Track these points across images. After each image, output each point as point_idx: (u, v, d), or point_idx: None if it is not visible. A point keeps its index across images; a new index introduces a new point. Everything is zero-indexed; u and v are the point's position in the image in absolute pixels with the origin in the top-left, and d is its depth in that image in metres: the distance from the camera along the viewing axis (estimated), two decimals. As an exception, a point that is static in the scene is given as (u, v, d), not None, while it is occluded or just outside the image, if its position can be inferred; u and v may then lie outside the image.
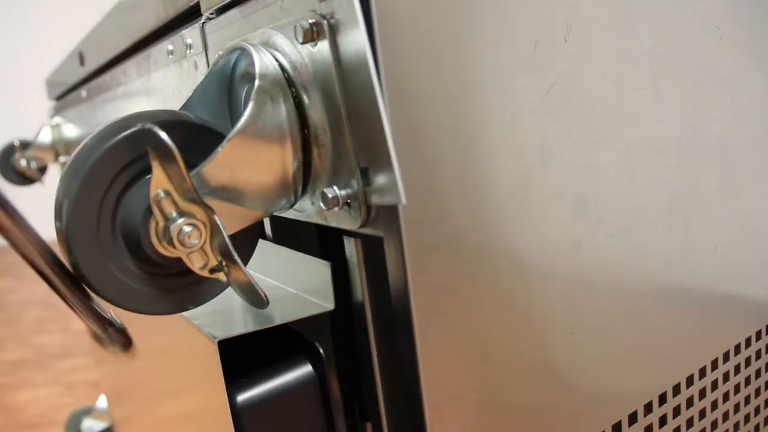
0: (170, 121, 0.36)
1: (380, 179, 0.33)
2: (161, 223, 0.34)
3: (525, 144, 0.38)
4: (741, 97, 0.53)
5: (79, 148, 0.35)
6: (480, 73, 0.36)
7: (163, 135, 0.32)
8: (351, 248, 0.39)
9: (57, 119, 1.22)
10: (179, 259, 0.35)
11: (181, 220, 0.34)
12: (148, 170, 0.33)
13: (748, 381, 0.58)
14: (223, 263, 0.36)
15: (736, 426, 0.58)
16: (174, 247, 0.34)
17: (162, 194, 0.33)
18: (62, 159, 1.20)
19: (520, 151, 0.38)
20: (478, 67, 0.36)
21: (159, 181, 0.33)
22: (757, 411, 0.60)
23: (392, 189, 0.32)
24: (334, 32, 0.33)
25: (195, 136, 0.37)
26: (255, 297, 0.37)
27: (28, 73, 3.16)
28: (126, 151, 0.35)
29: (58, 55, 1.30)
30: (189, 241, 0.34)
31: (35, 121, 1.40)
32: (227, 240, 0.35)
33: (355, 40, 0.32)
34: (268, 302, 0.37)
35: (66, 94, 1.21)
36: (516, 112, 0.37)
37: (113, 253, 0.35)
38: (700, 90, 0.48)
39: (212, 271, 0.36)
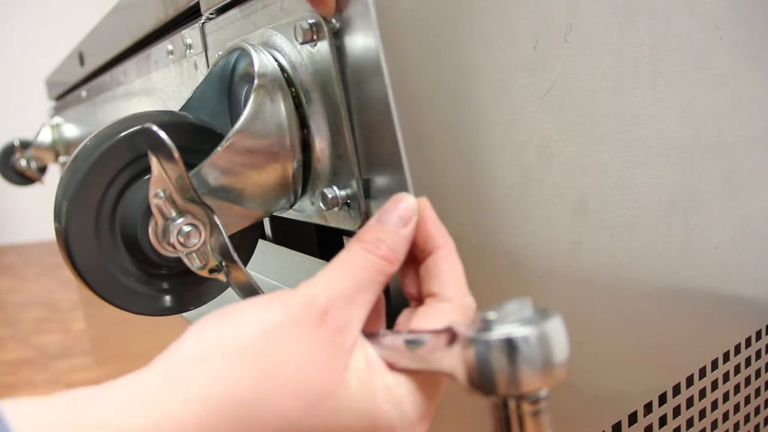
0: (170, 122, 0.36)
1: (386, 184, 0.34)
2: (161, 223, 0.34)
3: (525, 144, 0.38)
4: (741, 96, 0.53)
5: (78, 148, 0.35)
6: (480, 73, 0.36)
7: (163, 134, 0.32)
8: (351, 248, 0.39)
9: (57, 119, 1.22)
10: (179, 260, 0.35)
11: (180, 220, 0.34)
12: (148, 170, 0.33)
13: (748, 381, 0.58)
14: (223, 263, 0.36)
15: (736, 426, 0.58)
16: (173, 248, 0.34)
17: (161, 194, 0.33)
18: (62, 159, 1.20)
19: (520, 151, 0.38)
20: (478, 67, 0.36)
21: (158, 181, 0.33)
22: (757, 411, 0.60)
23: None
24: (341, 33, 0.33)
25: (194, 136, 0.37)
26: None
27: (28, 73, 3.16)
28: (125, 152, 0.35)
29: (58, 55, 1.30)
30: (188, 241, 0.34)
31: (35, 121, 1.40)
32: (227, 240, 0.35)
33: (365, 43, 0.32)
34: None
35: (66, 94, 1.21)
36: (516, 112, 0.37)
37: (113, 254, 0.35)
38: (700, 90, 0.48)
39: (212, 271, 0.36)
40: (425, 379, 0.29)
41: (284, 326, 0.26)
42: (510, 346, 0.24)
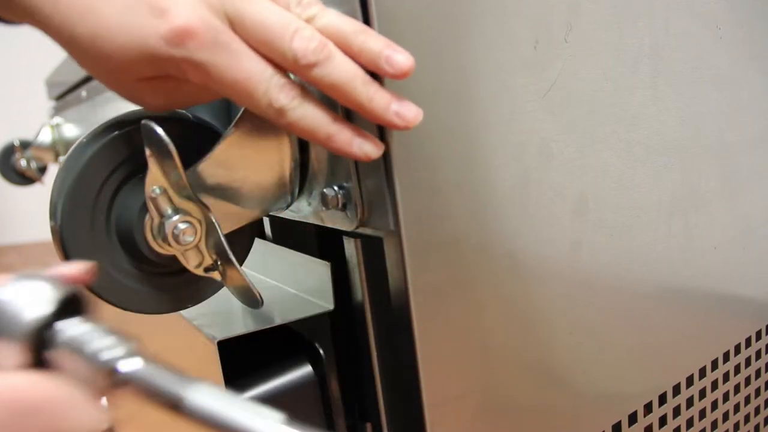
0: (167, 118, 0.36)
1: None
2: (156, 220, 0.34)
3: (525, 144, 0.38)
4: (741, 96, 0.52)
5: (74, 145, 0.35)
6: (480, 72, 0.36)
7: (160, 131, 0.32)
8: (351, 248, 0.39)
9: (57, 119, 1.22)
10: (174, 258, 0.35)
11: (176, 218, 0.33)
12: (144, 167, 0.33)
13: (748, 381, 0.58)
14: (218, 262, 0.35)
15: (736, 426, 0.58)
16: (169, 245, 0.34)
17: (158, 191, 0.33)
18: (62, 159, 1.20)
19: (520, 151, 0.38)
20: (478, 67, 0.35)
21: (155, 178, 0.33)
22: (757, 411, 0.60)
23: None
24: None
25: (192, 133, 0.37)
26: (249, 297, 0.37)
27: (28, 73, 3.15)
28: (122, 148, 0.34)
29: (58, 55, 1.30)
30: (184, 238, 0.34)
31: (35, 121, 1.40)
32: (222, 239, 0.35)
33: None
34: (262, 302, 0.37)
35: (66, 94, 1.21)
36: (516, 112, 0.37)
37: (108, 252, 0.35)
38: (700, 90, 0.48)
39: (207, 270, 0.36)
40: None
41: None
42: None
